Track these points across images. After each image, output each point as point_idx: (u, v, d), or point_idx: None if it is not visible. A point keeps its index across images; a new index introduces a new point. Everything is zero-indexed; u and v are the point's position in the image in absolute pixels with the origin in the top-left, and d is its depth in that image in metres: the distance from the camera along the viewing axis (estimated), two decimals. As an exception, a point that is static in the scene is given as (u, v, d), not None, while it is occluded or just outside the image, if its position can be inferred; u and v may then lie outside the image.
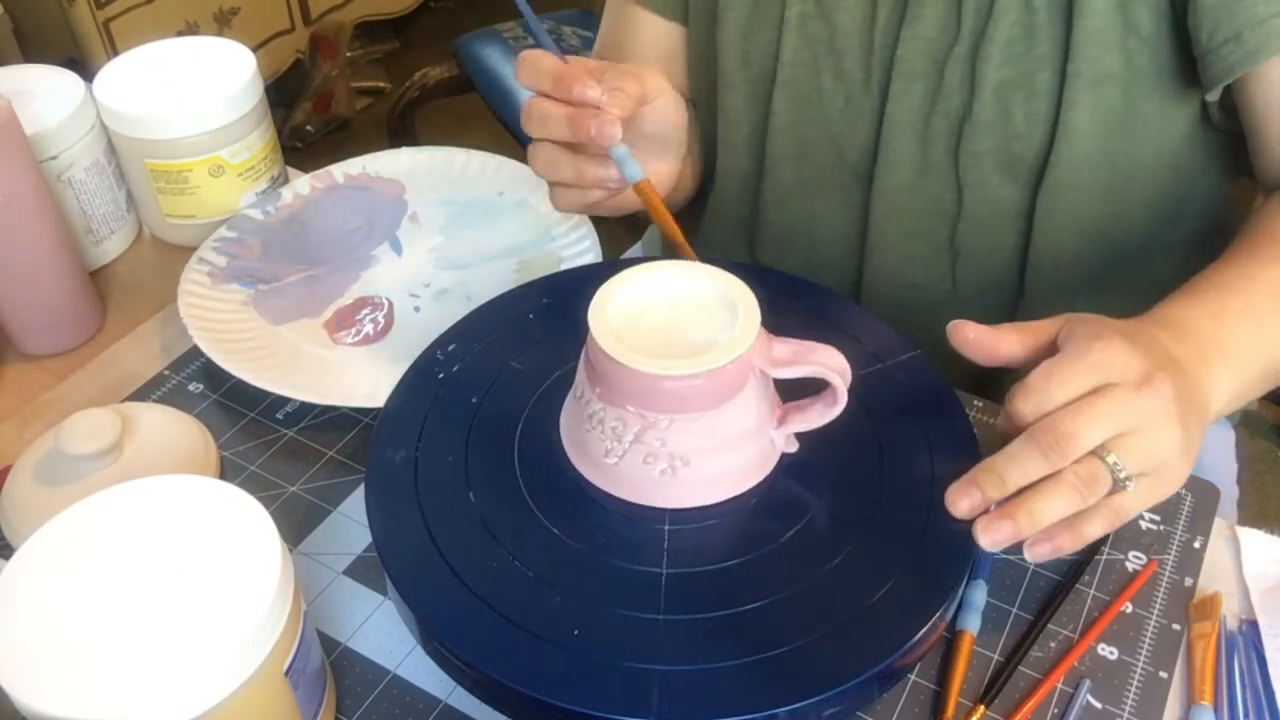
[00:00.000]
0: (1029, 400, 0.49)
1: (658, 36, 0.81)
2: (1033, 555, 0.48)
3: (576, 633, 0.47)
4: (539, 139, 0.63)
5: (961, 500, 0.48)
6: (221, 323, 0.71)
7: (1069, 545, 0.48)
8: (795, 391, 0.55)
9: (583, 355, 0.53)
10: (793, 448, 0.55)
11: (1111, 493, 0.48)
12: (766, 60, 0.74)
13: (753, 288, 0.53)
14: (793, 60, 0.73)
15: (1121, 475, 0.48)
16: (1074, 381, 0.49)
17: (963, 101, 0.69)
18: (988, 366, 0.53)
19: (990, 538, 0.47)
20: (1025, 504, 0.47)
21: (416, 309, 0.74)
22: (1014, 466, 0.48)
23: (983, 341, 0.53)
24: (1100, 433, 0.47)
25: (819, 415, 0.54)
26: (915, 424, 0.56)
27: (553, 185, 0.67)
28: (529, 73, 0.61)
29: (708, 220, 0.85)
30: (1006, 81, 0.67)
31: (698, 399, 0.50)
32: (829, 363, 0.51)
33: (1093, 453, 0.48)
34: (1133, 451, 0.48)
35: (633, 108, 0.61)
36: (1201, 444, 0.53)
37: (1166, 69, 0.66)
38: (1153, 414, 0.49)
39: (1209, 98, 0.65)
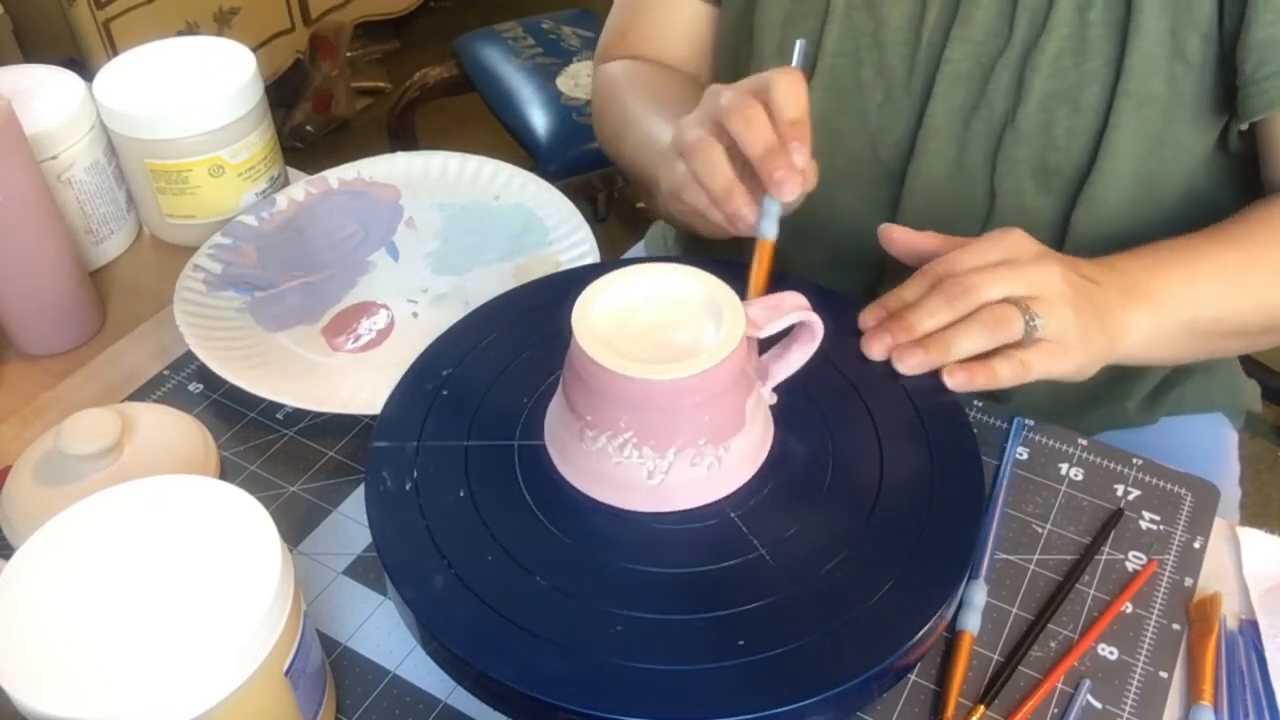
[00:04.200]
0: (942, 263, 0.58)
1: (687, 16, 0.80)
2: (951, 382, 0.56)
3: (577, 633, 0.47)
4: (715, 139, 0.60)
5: (875, 345, 0.58)
6: (218, 330, 0.71)
7: (982, 378, 0.56)
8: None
9: (577, 388, 0.52)
10: (773, 400, 0.56)
11: (1021, 344, 0.56)
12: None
13: (737, 284, 0.53)
14: (835, 51, 0.72)
15: (1030, 322, 0.55)
16: (981, 256, 0.58)
17: (1006, 109, 0.69)
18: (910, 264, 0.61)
19: (905, 364, 0.57)
20: (939, 337, 0.56)
21: (415, 314, 0.74)
22: (922, 313, 0.57)
23: (909, 239, 0.61)
24: (999, 290, 0.56)
25: (799, 356, 0.55)
26: (915, 424, 0.56)
27: (684, 185, 0.62)
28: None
29: None
30: (1053, 93, 0.67)
31: (715, 393, 0.50)
32: (800, 304, 0.54)
33: (1007, 300, 0.56)
34: (1038, 310, 0.56)
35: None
36: (1106, 359, 0.59)
37: (1205, 95, 0.66)
38: (1046, 288, 0.56)
39: (1241, 127, 0.66)
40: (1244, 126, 0.66)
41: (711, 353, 0.50)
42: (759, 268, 0.59)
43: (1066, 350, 0.57)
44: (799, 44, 0.61)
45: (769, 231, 0.59)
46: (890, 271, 0.77)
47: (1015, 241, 0.58)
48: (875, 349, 0.58)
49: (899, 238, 0.61)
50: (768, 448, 0.55)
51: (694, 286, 0.53)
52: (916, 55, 0.71)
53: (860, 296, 0.78)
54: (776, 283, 0.64)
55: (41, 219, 0.70)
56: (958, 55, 0.69)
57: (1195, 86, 0.66)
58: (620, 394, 0.50)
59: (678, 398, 0.50)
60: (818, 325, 0.54)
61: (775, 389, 0.56)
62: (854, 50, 0.72)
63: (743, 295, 0.54)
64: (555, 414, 0.55)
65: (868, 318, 0.59)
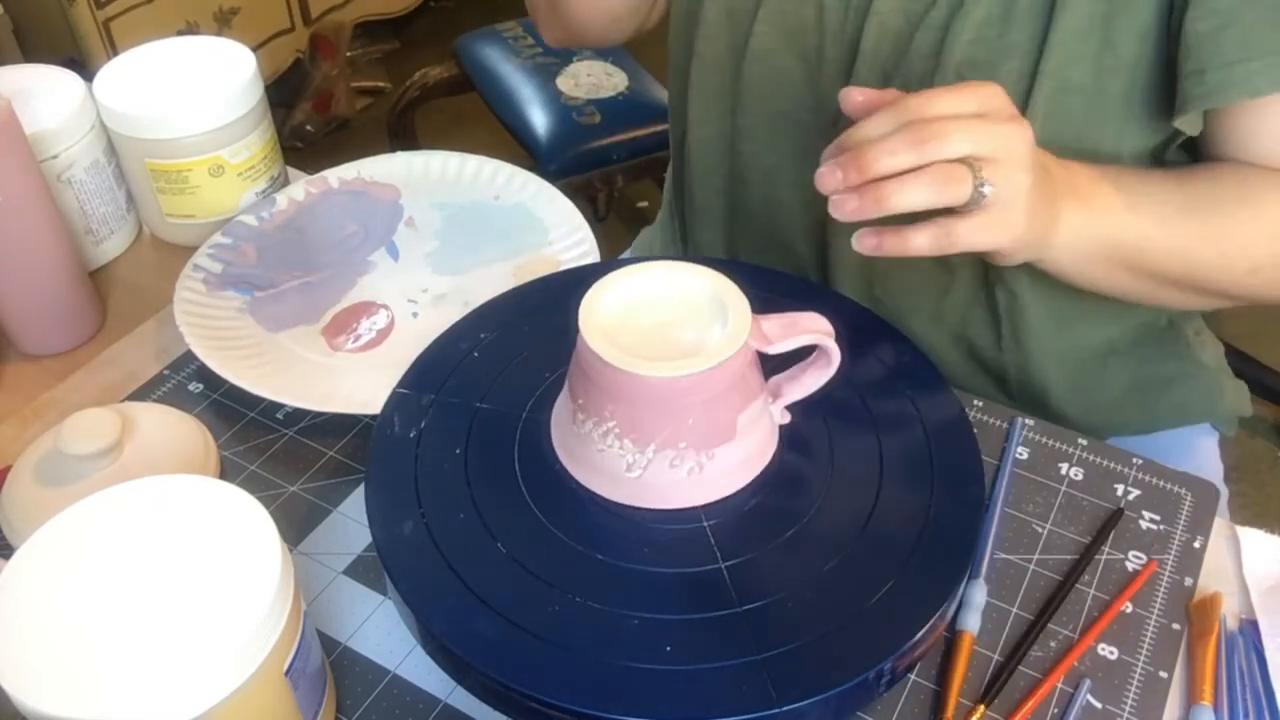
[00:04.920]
0: (915, 100, 0.53)
1: None
2: (858, 245, 0.54)
3: (576, 633, 0.47)
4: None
5: (828, 180, 0.53)
6: (218, 330, 0.71)
7: (891, 245, 0.54)
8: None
9: (576, 372, 0.53)
10: (786, 419, 0.56)
11: (959, 212, 0.53)
12: None
13: (745, 287, 0.53)
14: None
15: (980, 187, 0.52)
16: (959, 101, 0.53)
17: (924, 71, 0.67)
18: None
19: (839, 210, 0.52)
20: (875, 187, 0.52)
21: (415, 314, 0.74)
22: (881, 152, 0.52)
23: (871, 100, 0.56)
24: (967, 145, 0.52)
25: (814, 380, 0.55)
26: (914, 423, 0.56)
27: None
28: None
29: (686, 167, 0.84)
30: (971, 61, 0.65)
31: (703, 398, 0.50)
32: (818, 327, 0.53)
33: (962, 160, 0.52)
34: (992, 176, 0.53)
35: None
36: (1037, 248, 0.58)
37: (1137, 98, 0.64)
38: (1014, 151, 0.53)
39: (1181, 125, 0.63)
40: (1186, 126, 0.63)
41: (702, 358, 0.50)
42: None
43: (1007, 221, 0.54)
44: None
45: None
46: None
47: (992, 94, 0.54)
48: (826, 184, 0.53)
49: (860, 100, 0.56)
50: (765, 462, 0.54)
51: (710, 289, 0.53)
52: (851, 3, 0.69)
53: (809, 247, 0.78)
54: (775, 280, 0.64)
55: (41, 219, 0.70)
56: (886, 7, 0.67)
57: (1126, 84, 0.64)
58: (608, 383, 0.50)
59: (662, 397, 0.50)
60: (834, 352, 0.53)
61: (788, 408, 0.56)
62: None
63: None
64: (561, 396, 0.55)
65: (829, 150, 0.55)
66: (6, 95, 0.67)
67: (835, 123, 0.70)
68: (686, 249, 0.91)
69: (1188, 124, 0.63)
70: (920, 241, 0.54)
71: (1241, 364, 0.88)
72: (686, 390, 0.50)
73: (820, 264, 0.79)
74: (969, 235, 0.54)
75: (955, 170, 0.52)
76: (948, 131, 0.52)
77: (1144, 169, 0.64)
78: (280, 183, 0.84)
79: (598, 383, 0.51)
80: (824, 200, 0.54)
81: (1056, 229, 0.58)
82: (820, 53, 0.71)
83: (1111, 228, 0.60)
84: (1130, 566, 0.59)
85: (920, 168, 0.52)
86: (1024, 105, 0.65)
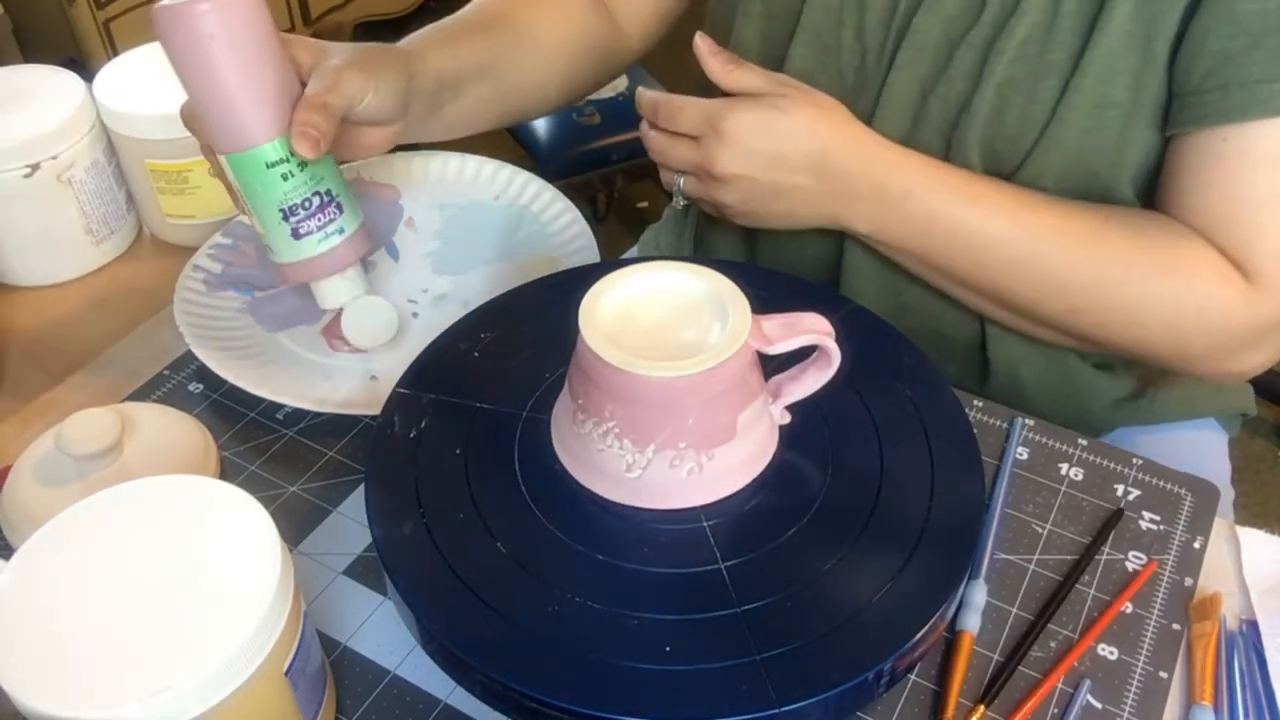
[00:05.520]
0: (662, 106, 0.69)
1: None
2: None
3: (576, 633, 0.47)
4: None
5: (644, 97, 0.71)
6: (218, 330, 0.71)
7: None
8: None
9: (576, 372, 0.53)
10: (786, 420, 0.56)
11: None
12: (792, 2, 0.73)
13: (747, 288, 0.53)
14: (820, 6, 0.72)
15: (674, 192, 0.71)
16: (680, 122, 0.69)
17: (965, 90, 0.68)
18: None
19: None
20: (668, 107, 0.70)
21: (415, 314, 0.74)
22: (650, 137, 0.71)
23: (717, 62, 0.69)
24: (673, 164, 0.70)
25: (814, 380, 0.55)
26: (914, 424, 0.56)
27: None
28: None
29: None
30: (1011, 80, 0.66)
31: (703, 398, 0.50)
32: (818, 328, 0.53)
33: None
34: (690, 189, 0.71)
35: (329, 136, 0.61)
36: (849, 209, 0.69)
37: (1164, 101, 0.66)
38: (710, 187, 0.69)
39: (1170, 133, 0.65)
40: (1177, 131, 0.64)
41: (702, 359, 0.49)
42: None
43: (719, 213, 0.72)
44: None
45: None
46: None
47: (710, 128, 0.67)
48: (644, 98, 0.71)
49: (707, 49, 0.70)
50: (765, 461, 0.54)
51: (710, 290, 0.53)
52: (893, 21, 0.70)
53: (827, 256, 0.78)
54: (766, 279, 0.64)
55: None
56: (926, 25, 0.68)
57: (1159, 97, 0.65)
58: (608, 383, 0.50)
59: (662, 397, 0.50)
60: (834, 353, 0.53)
61: (788, 408, 0.56)
62: (838, 8, 0.71)
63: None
64: (561, 395, 0.55)
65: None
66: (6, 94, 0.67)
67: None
68: (698, 251, 0.91)
69: (1188, 130, 0.64)
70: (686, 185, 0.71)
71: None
72: (686, 390, 0.50)
73: (835, 269, 0.79)
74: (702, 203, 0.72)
75: (667, 159, 0.71)
76: (661, 149, 0.71)
77: (994, 184, 0.67)
78: (280, 183, 0.84)
79: (598, 383, 0.51)
80: None
81: (843, 220, 0.69)
82: (860, 73, 0.72)
83: (925, 199, 0.67)
84: (1130, 567, 0.59)
85: None
86: (1052, 119, 0.66)
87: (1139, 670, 0.54)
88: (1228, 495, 0.82)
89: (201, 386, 0.70)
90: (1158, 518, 0.61)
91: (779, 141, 0.67)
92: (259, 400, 0.66)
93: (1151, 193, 0.69)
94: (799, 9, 0.72)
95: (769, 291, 0.63)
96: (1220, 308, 0.64)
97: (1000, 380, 0.77)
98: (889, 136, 0.71)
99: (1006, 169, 0.69)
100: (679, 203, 0.72)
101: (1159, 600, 0.57)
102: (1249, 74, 0.60)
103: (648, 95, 0.71)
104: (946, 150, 0.70)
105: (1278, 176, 0.62)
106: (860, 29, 0.71)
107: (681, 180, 0.71)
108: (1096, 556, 0.59)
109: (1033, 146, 0.67)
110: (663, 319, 0.53)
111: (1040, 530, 0.60)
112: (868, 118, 0.72)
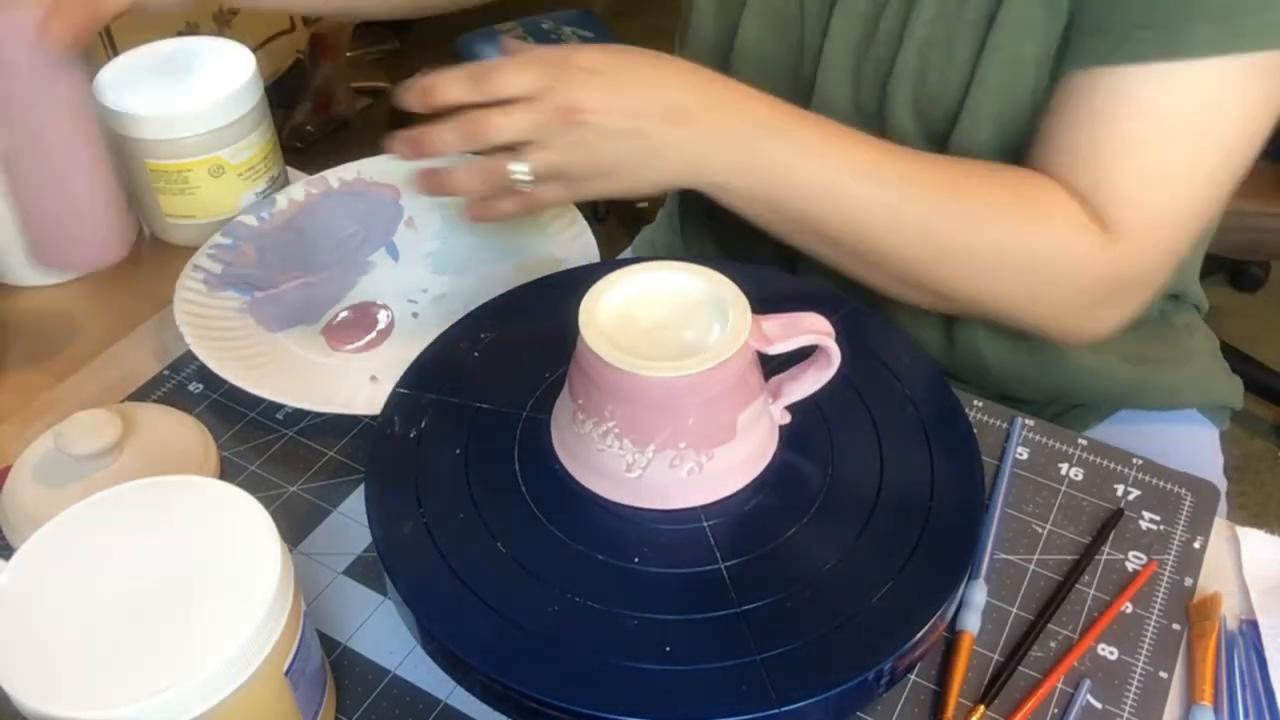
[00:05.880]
0: (486, 81, 0.61)
1: None
2: (468, 216, 0.68)
3: (576, 633, 0.47)
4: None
5: (399, 147, 0.64)
6: (218, 330, 0.71)
7: (478, 212, 0.67)
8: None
9: (576, 372, 0.53)
10: (786, 419, 0.56)
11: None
12: None
13: (748, 287, 0.53)
14: None
15: (518, 176, 0.62)
16: (515, 82, 0.61)
17: (889, 52, 0.69)
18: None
19: (416, 186, 0.66)
20: (441, 172, 0.65)
21: (415, 314, 0.74)
22: (438, 140, 0.63)
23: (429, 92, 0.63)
24: (508, 135, 0.61)
25: (814, 380, 0.55)
26: (914, 424, 0.56)
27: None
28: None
29: None
30: (931, 39, 0.67)
31: (703, 398, 0.50)
32: (818, 328, 0.53)
33: (509, 148, 0.62)
34: (537, 159, 0.62)
35: (79, 30, 0.63)
36: (696, 178, 0.64)
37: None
38: (563, 141, 0.61)
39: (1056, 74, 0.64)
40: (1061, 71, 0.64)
41: (702, 359, 0.49)
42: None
43: (578, 188, 0.64)
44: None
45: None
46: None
47: (557, 71, 0.61)
48: (399, 150, 0.64)
49: (414, 100, 0.63)
50: (766, 461, 0.54)
51: (710, 290, 0.53)
52: None
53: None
54: (776, 280, 0.64)
55: (82, 126, 0.68)
56: None
57: (1062, 42, 0.64)
58: (608, 383, 0.50)
59: (662, 396, 0.50)
60: (834, 353, 0.53)
61: (788, 408, 0.56)
62: None
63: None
64: (561, 395, 0.55)
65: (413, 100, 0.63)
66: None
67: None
68: (684, 244, 0.91)
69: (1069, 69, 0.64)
70: (507, 207, 0.66)
71: (1241, 364, 0.88)
72: (686, 390, 0.50)
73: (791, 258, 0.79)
74: (544, 198, 0.65)
75: (492, 163, 0.63)
76: (491, 126, 0.61)
77: (869, 140, 0.65)
78: (280, 183, 0.84)
79: (598, 383, 0.51)
80: None
81: (703, 164, 0.64)
82: (801, 41, 0.73)
83: (775, 169, 0.63)
84: (1130, 566, 0.59)
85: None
86: (972, 79, 0.66)
87: (1139, 670, 0.54)
88: (1221, 488, 0.82)
89: (201, 386, 0.70)
90: (1158, 518, 0.61)
91: (645, 73, 0.63)
92: (259, 400, 0.66)
93: None
94: None
95: (769, 291, 0.64)
96: (1076, 257, 0.63)
97: (966, 365, 0.77)
98: (833, 102, 0.73)
99: (938, 130, 0.70)
100: (522, 176, 0.63)
101: (1159, 600, 0.57)
102: (1127, 18, 0.60)
103: (450, 73, 0.62)
104: (881, 112, 0.71)
105: (1137, 125, 0.61)
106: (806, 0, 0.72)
107: (522, 170, 0.63)
108: (1096, 556, 0.59)
109: (959, 106, 0.67)
110: (663, 319, 0.53)
111: (1040, 530, 0.60)
112: (810, 84, 0.73)
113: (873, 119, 0.72)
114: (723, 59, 0.77)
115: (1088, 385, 0.79)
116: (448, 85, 0.62)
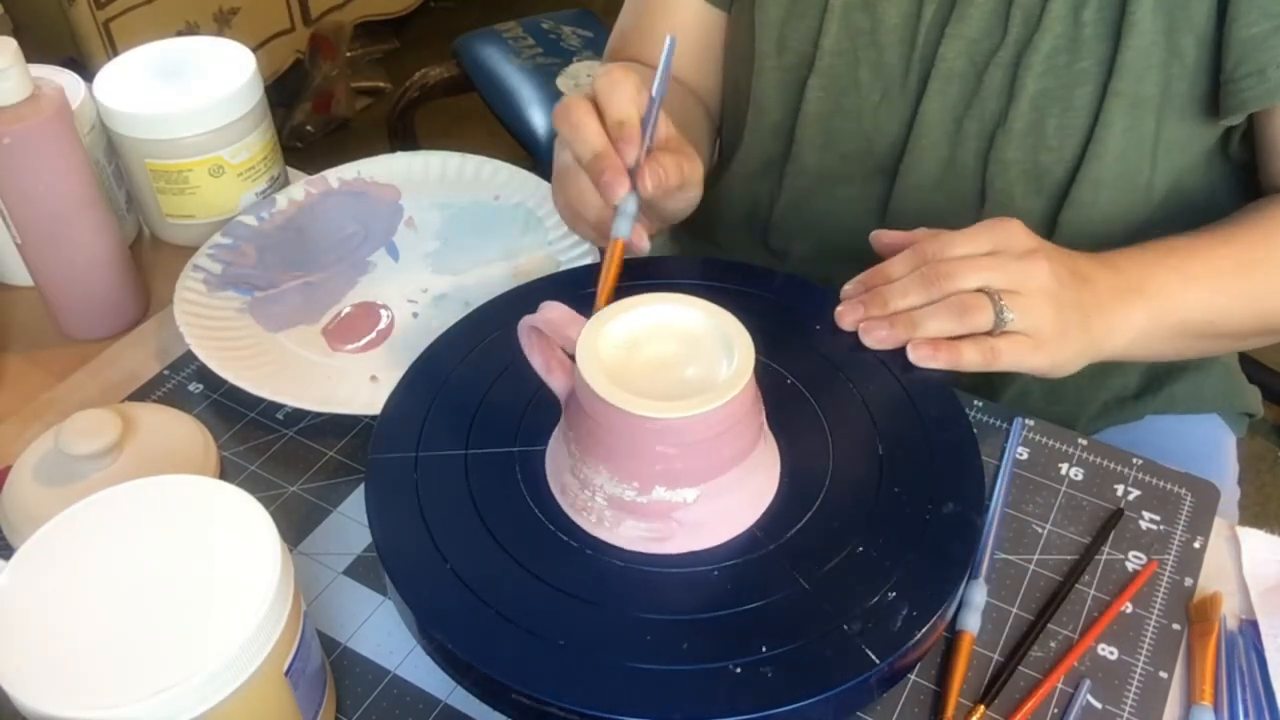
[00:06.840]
0: (933, 243, 0.58)
1: (687, 19, 0.81)
2: (913, 355, 0.57)
3: (576, 633, 0.47)
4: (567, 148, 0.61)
5: (848, 315, 0.59)
6: (218, 330, 0.71)
7: (945, 356, 0.57)
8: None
9: (576, 413, 0.52)
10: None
11: (991, 332, 0.57)
12: (805, 48, 0.74)
13: (753, 287, 0.52)
14: (833, 50, 0.72)
15: (1000, 314, 0.56)
16: (971, 244, 0.58)
17: (999, 108, 0.69)
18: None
19: (870, 337, 0.58)
20: (907, 315, 0.58)
21: (415, 314, 0.74)
22: (896, 292, 0.58)
23: (896, 241, 0.61)
24: (976, 281, 0.57)
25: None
26: (915, 425, 0.56)
27: (564, 167, 0.64)
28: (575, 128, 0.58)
29: (722, 197, 0.85)
30: (1045, 92, 0.67)
31: (705, 436, 0.49)
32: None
33: (982, 290, 0.56)
34: (1012, 306, 0.56)
35: (664, 191, 0.59)
36: (1089, 357, 0.60)
37: (1199, 97, 0.67)
38: (1027, 284, 0.57)
39: (1226, 122, 0.66)
40: (1229, 122, 0.66)
41: (702, 399, 0.48)
42: (609, 268, 0.57)
43: (1040, 345, 0.57)
44: (668, 39, 0.60)
45: (622, 230, 0.58)
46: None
47: (1008, 232, 0.58)
48: (847, 319, 0.59)
49: (888, 241, 0.62)
50: (766, 503, 0.53)
51: (713, 325, 0.51)
52: (913, 54, 0.71)
53: None
54: (766, 280, 0.64)
55: (90, 208, 0.70)
56: (952, 53, 0.69)
57: (1189, 88, 0.67)
58: (607, 420, 0.49)
59: (660, 433, 0.48)
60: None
61: (779, 398, 0.55)
62: (851, 49, 0.72)
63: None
64: (556, 432, 0.55)
65: (849, 288, 0.60)
66: (59, 85, 0.68)
67: (894, 175, 0.74)
68: (673, 237, 0.92)
69: (1232, 119, 0.66)
70: (970, 356, 0.57)
71: (1244, 365, 0.89)
72: (685, 429, 0.48)
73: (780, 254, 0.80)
74: (1009, 355, 0.57)
75: (974, 299, 0.56)
76: (957, 271, 0.57)
77: (1185, 235, 0.65)
78: (280, 183, 0.84)
79: (597, 421, 0.50)
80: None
81: (1114, 334, 0.61)
82: (881, 109, 0.73)
83: (1176, 311, 0.62)
84: (1130, 566, 0.59)
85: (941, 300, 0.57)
86: (1095, 124, 0.67)
87: (1139, 670, 0.54)
88: (1234, 495, 0.82)
89: (201, 386, 0.70)
90: (1158, 518, 0.61)
91: (1040, 242, 0.60)
92: (259, 400, 0.66)
93: (1179, 186, 0.70)
94: (813, 55, 0.73)
95: (769, 291, 0.64)
96: None
97: (1005, 387, 0.77)
98: (928, 165, 0.73)
99: (1055, 186, 0.70)
100: (1008, 316, 0.57)
101: (1159, 600, 0.57)
102: (1277, 57, 0.62)
103: (897, 235, 0.61)
104: (984, 172, 0.71)
105: None
106: (877, 66, 0.72)
107: (1008, 313, 0.57)
108: (1096, 556, 0.59)
109: (1081, 153, 0.68)
110: (663, 354, 0.51)
111: (1040, 530, 0.60)
112: (899, 149, 0.73)
113: (968, 180, 0.72)
114: (786, 133, 0.77)
115: (1111, 396, 0.80)
116: (893, 292, 0.58)
